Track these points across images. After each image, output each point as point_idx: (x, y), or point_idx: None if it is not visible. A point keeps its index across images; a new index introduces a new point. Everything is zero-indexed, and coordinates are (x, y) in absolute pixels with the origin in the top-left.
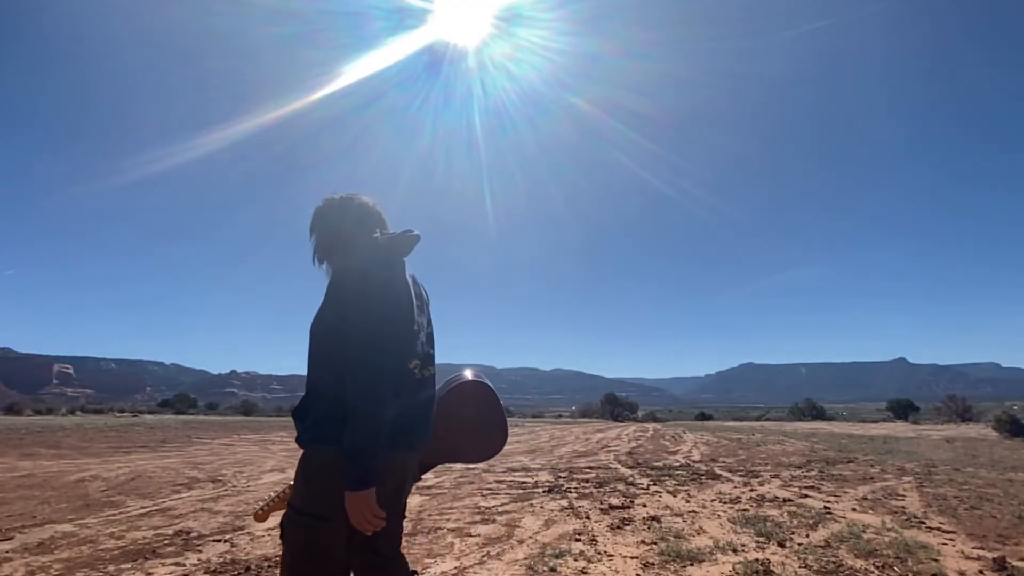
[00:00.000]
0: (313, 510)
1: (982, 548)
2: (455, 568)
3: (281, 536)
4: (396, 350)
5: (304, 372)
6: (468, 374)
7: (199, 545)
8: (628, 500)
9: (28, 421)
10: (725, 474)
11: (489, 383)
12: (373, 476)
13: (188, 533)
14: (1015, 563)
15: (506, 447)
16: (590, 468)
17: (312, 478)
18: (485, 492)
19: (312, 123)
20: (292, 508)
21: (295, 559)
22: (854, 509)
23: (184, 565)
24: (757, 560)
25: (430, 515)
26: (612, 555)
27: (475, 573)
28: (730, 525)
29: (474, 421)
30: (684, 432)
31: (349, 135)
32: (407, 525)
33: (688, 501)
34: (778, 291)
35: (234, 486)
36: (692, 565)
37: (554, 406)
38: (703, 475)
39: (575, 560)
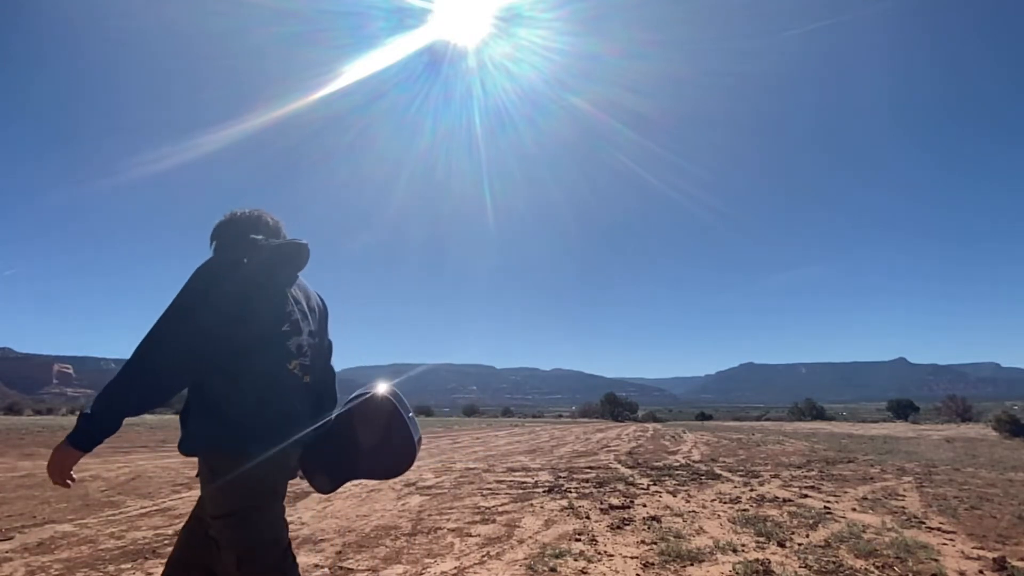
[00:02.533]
0: (235, 507)
1: (982, 548)
2: (455, 568)
3: (218, 548)
4: (201, 335)
5: None
6: (378, 388)
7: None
8: (628, 500)
9: (28, 421)
10: (725, 474)
11: (393, 398)
12: (83, 440)
13: None
14: (1015, 563)
15: (506, 447)
16: (590, 468)
17: (217, 479)
18: (485, 492)
19: (312, 123)
20: (215, 518)
21: (241, 559)
22: (854, 509)
23: None
24: (757, 560)
25: (430, 515)
26: (612, 555)
27: (475, 573)
28: (730, 525)
29: (376, 437)
30: (684, 432)
31: (349, 135)
32: (407, 525)
33: (688, 501)
34: (778, 291)
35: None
36: (692, 565)
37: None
38: (703, 475)
39: (575, 560)
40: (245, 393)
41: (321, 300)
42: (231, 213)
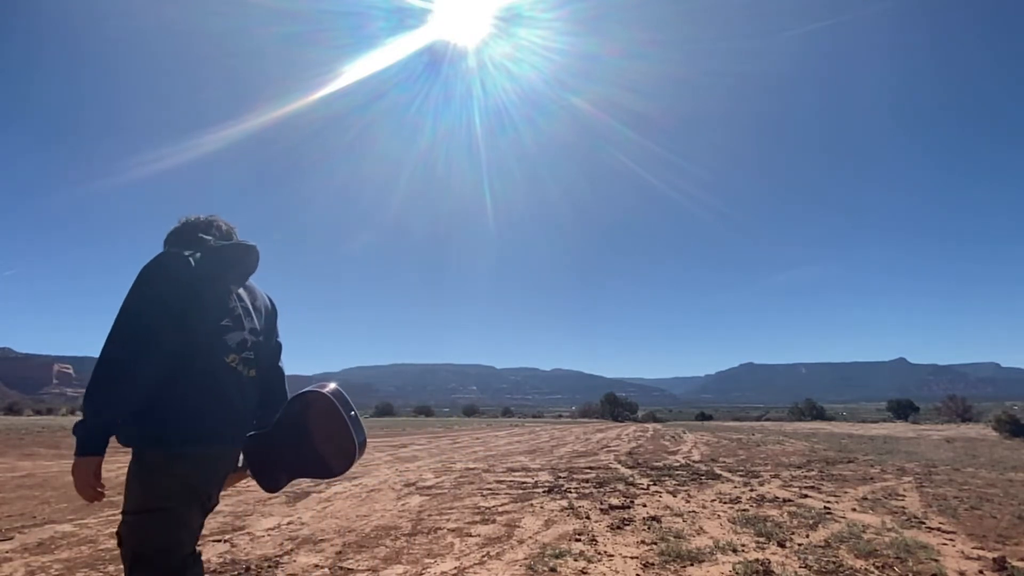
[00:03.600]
0: (149, 505)
1: (982, 548)
2: (455, 568)
3: (120, 544)
4: (166, 333)
5: (304, 372)
6: (320, 387)
7: (199, 545)
8: (628, 500)
9: (28, 421)
10: (725, 474)
11: (335, 397)
12: (88, 445)
13: None
14: (1015, 563)
15: (506, 447)
16: (590, 468)
17: (142, 473)
18: (485, 492)
19: (312, 123)
20: (125, 513)
21: (137, 558)
22: (854, 509)
23: None
24: (757, 560)
25: (430, 515)
26: (612, 555)
27: (475, 573)
28: (730, 525)
29: (317, 436)
30: (684, 432)
31: (349, 135)
32: (407, 525)
33: (688, 501)
34: (778, 291)
35: (234, 486)
36: (692, 565)
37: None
38: (703, 475)
39: (575, 560)
40: (185, 389)
41: (270, 301)
42: (185, 219)
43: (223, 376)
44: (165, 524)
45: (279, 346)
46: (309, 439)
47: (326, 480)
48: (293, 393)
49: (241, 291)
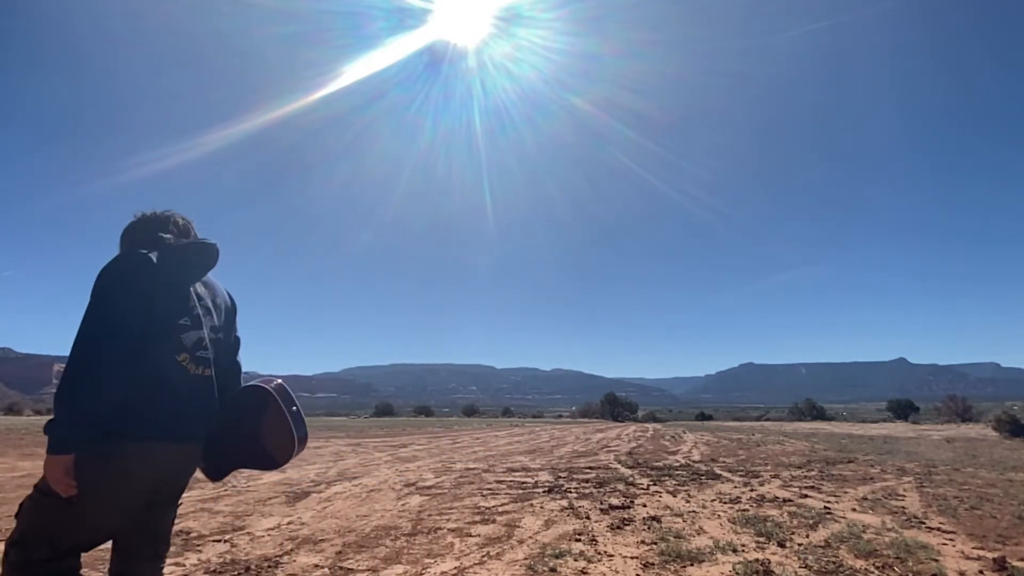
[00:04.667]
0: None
1: (982, 548)
2: (455, 568)
3: (16, 515)
4: (128, 333)
5: (304, 372)
6: (263, 382)
7: (199, 545)
8: (628, 500)
9: (28, 421)
10: (725, 474)
11: (276, 392)
12: (60, 445)
13: (188, 533)
14: (1015, 563)
15: (506, 447)
16: (590, 468)
17: (79, 460)
18: (485, 492)
19: (313, 122)
20: (36, 489)
21: (25, 534)
22: (854, 509)
23: (184, 565)
24: (757, 560)
25: (430, 515)
26: (612, 555)
27: (475, 573)
28: (730, 525)
29: (257, 429)
30: (684, 432)
31: (350, 134)
32: (407, 525)
33: (688, 501)
34: (778, 291)
35: (234, 486)
36: (692, 565)
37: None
38: (703, 475)
39: (575, 560)
40: (135, 387)
41: (229, 297)
42: (140, 214)
43: (172, 376)
44: (66, 516)
45: (238, 341)
46: (252, 432)
47: (269, 471)
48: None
49: (202, 289)
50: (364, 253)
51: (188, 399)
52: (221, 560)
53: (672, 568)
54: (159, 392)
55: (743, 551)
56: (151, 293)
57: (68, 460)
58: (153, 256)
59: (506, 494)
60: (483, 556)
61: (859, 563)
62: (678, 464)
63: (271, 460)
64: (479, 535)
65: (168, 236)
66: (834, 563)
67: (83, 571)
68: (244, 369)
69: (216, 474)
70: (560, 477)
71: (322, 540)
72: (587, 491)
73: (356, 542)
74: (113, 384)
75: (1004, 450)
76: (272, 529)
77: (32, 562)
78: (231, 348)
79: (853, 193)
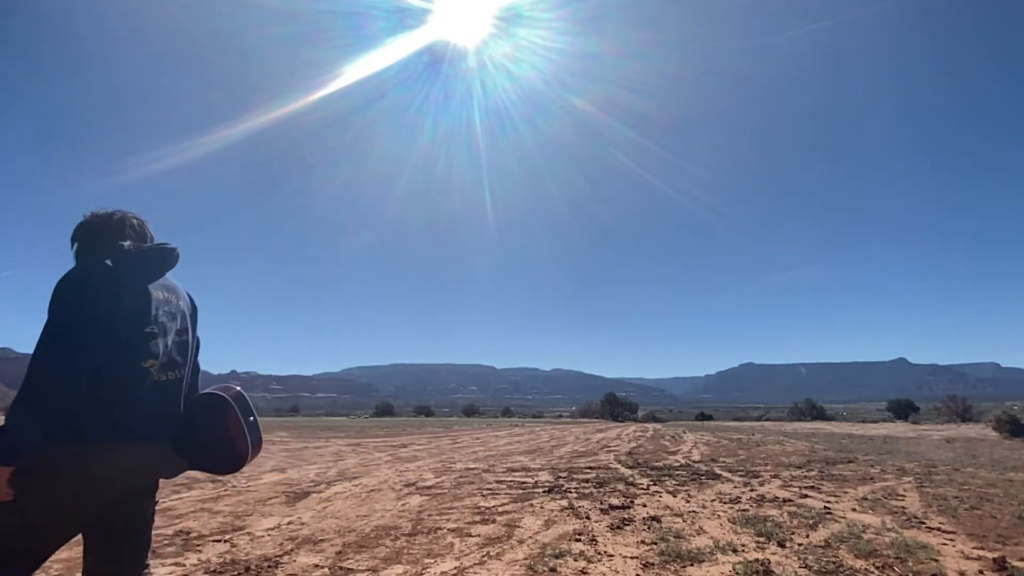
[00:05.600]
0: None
1: (982, 548)
2: (455, 568)
3: None
4: (90, 345)
5: (304, 372)
6: (220, 388)
7: (199, 545)
8: (628, 500)
9: None
10: (725, 474)
11: (233, 400)
12: (7, 457)
13: (188, 533)
14: (1015, 563)
15: (506, 447)
16: (590, 468)
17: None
18: (485, 492)
19: (313, 122)
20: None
21: None
22: (854, 509)
23: (184, 565)
24: (757, 560)
25: (430, 515)
26: (612, 555)
27: (475, 573)
28: (730, 525)
29: (211, 434)
30: (684, 432)
31: (350, 134)
32: (407, 525)
33: (688, 501)
34: (778, 291)
35: (234, 486)
36: (692, 565)
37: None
38: (703, 475)
39: (575, 560)
40: (99, 394)
41: (190, 299)
42: (91, 214)
43: (137, 382)
44: (16, 523)
45: (198, 343)
46: (207, 437)
47: (219, 476)
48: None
49: (163, 294)
50: (364, 253)
51: (154, 403)
52: (221, 560)
53: (672, 568)
54: (124, 398)
55: (743, 551)
56: (113, 307)
57: (9, 471)
58: (114, 266)
59: (506, 494)
60: (483, 556)
61: (859, 563)
62: (678, 464)
63: (223, 466)
64: (479, 535)
65: (126, 243)
66: (834, 563)
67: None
68: (246, 369)
69: (168, 474)
70: (560, 477)
71: (322, 540)
72: (587, 491)
73: (356, 542)
74: (67, 402)
75: (1004, 450)
76: (272, 529)
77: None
78: (194, 350)
79: (853, 193)
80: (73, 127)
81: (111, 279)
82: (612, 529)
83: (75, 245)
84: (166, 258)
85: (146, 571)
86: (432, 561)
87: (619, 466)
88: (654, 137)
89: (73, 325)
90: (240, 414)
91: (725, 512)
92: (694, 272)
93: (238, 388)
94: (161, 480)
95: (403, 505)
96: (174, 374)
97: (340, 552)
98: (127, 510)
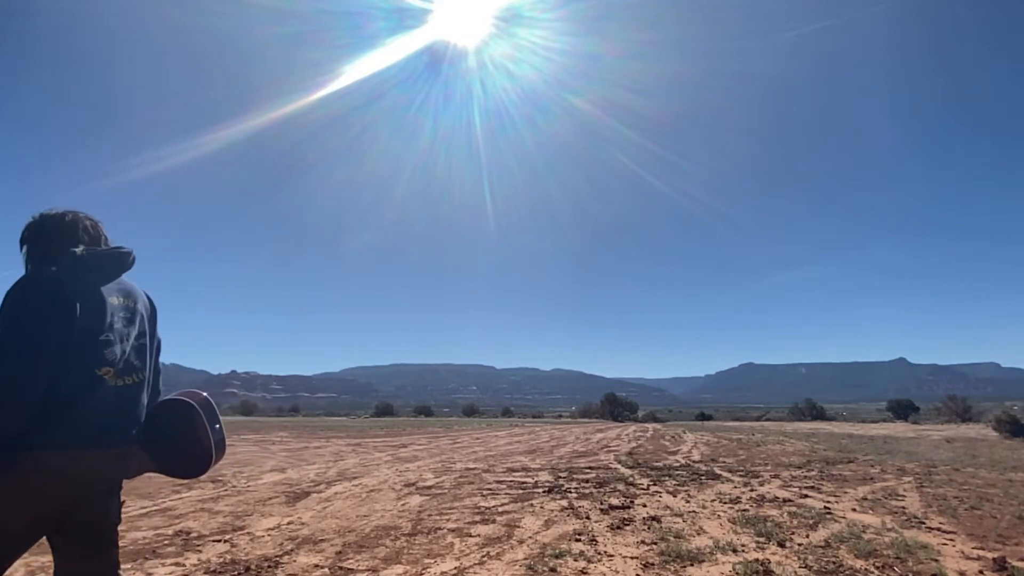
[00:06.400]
0: None
1: (982, 548)
2: (455, 568)
3: None
4: (47, 355)
5: (304, 372)
6: (186, 394)
7: (199, 545)
8: (628, 500)
9: None
10: (725, 474)
11: (200, 405)
12: None
13: (188, 533)
14: (1015, 563)
15: (506, 447)
16: (590, 468)
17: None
18: (485, 492)
19: (313, 122)
20: None
21: None
22: (854, 509)
23: (184, 565)
24: (757, 560)
25: (430, 515)
26: (612, 555)
27: (475, 573)
28: (730, 525)
29: (178, 439)
30: (684, 432)
31: (350, 134)
32: (407, 525)
33: (688, 501)
34: (778, 291)
35: (234, 486)
36: (692, 565)
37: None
38: (703, 475)
39: (575, 560)
40: (52, 402)
41: (149, 300)
42: (42, 215)
43: (92, 389)
44: None
45: (159, 343)
46: (170, 441)
47: (181, 480)
48: (169, 393)
49: (119, 299)
50: (364, 253)
51: (111, 408)
52: (221, 560)
53: (672, 568)
54: (76, 407)
55: (743, 551)
56: (64, 317)
57: None
58: (64, 273)
59: (506, 494)
60: (483, 556)
61: (859, 563)
62: (678, 464)
63: (186, 471)
64: (479, 535)
65: (79, 247)
66: (834, 563)
67: None
68: (246, 369)
69: (132, 475)
70: (560, 477)
71: (322, 540)
72: (587, 491)
73: (356, 542)
74: (18, 413)
75: (1004, 450)
76: (272, 529)
77: None
78: (154, 351)
79: (853, 193)
80: (72, 127)
81: (60, 288)
82: (612, 529)
83: (24, 248)
84: (121, 262)
85: (117, 573)
86: (432, 561)
87: (619, 466)
88: (654, 137)
89: (22, 337)
90: (206, 421)
91: (725, 512)
92: (694, 272)
93: (205, 395)
94: (161, 480)
95: (403, 505)
96: (132, 378)
97: (340, 552)
98: (86, 514)
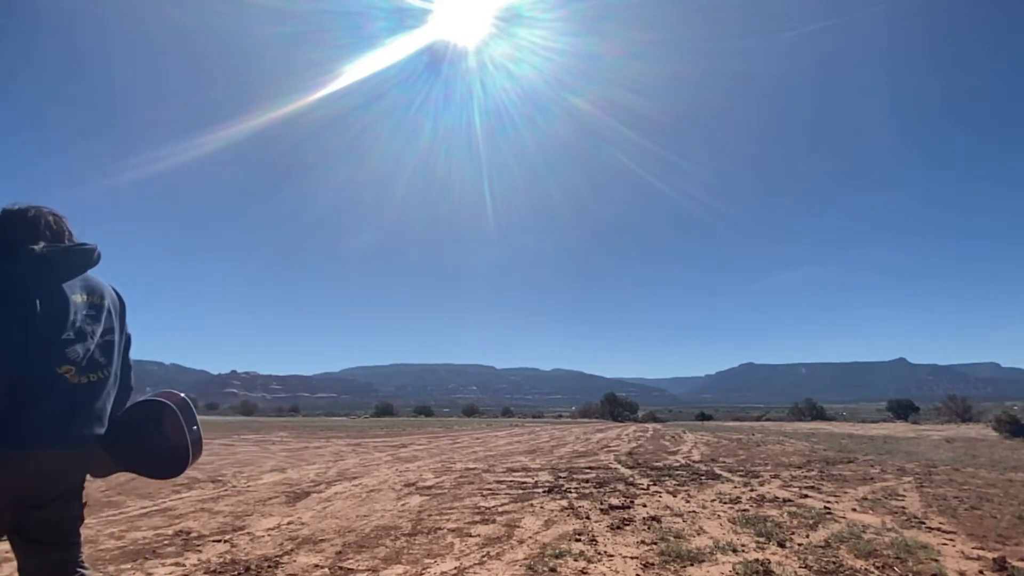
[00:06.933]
0: None
1: (982, 548)
2: (455, 568)
3: None
4: (12, 353)
5: (304, 372)
6: (174, 396)
7: (199, 545)
8: (628, 500)
9: None
10: (725, 474)
11: (178, 407)
12: None
13: (188, 533)
14: (1015, 563)
15: (506, 447)
16: (590, 468)
17: None
18: (485, 492)
19: (313, 122)
20: None
21: None
22: (854, 509)
23: (184, 565)
24: (757, 560)
25: (430, 515)
26: (612, 555)
27: (475, 573)
28: (730, 525)
29: (154, 439)
30: (684, 432)
31: (350, 134)
32: (407, 525)
33: (688, 501)
34: (778, 291)
35: (234, 486)
36: (692, 565)
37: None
38: (703, 475)
39: (575, 560)
40: (6, 404)
41: (117, 295)
42: (4, 210)
43: (50, 388)
44: None
45: (129, 339)
46: (146, 441)
47: (154, 481)
48: (149, 390)
49: (83, 296)
50: (364, 253)
51: (72, 407)
52: (221, 560)
53: (672, 568)
54: (35, 404)
55: (743, 551)
56: (18, 316)
57: None
58: (25, 271)
59: (506, 494)
60: (483, 556)
61: (859, 563)
62: (678, 464)
63: (161, 471)
64: (479, 535)
65: (39, 245)
66: (834, 563)
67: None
68: (246, 369)
69: (99, 473)
70: (560, 477)
71: (322, 540)
72: (587, 491)
73: (356, 542)
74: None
75: (1004, 450)
76: (272, 529)
77: None
78: (123, 347)
79: (853, 193)
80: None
81: (10, 287)
82: (612, 529)
83: None
84: (84, 258)
85: (80, 571)
86: (432, 561)
87: (619, 466)
88: (654, 137)
89: None
90: (184, 422)
91: (725, 512)
92: (694, 272)
93: (183, 395)
94: (161, 480)
95: (403, 505)
96: (97, 375)
97: (340, 552)
98: (45, 514)
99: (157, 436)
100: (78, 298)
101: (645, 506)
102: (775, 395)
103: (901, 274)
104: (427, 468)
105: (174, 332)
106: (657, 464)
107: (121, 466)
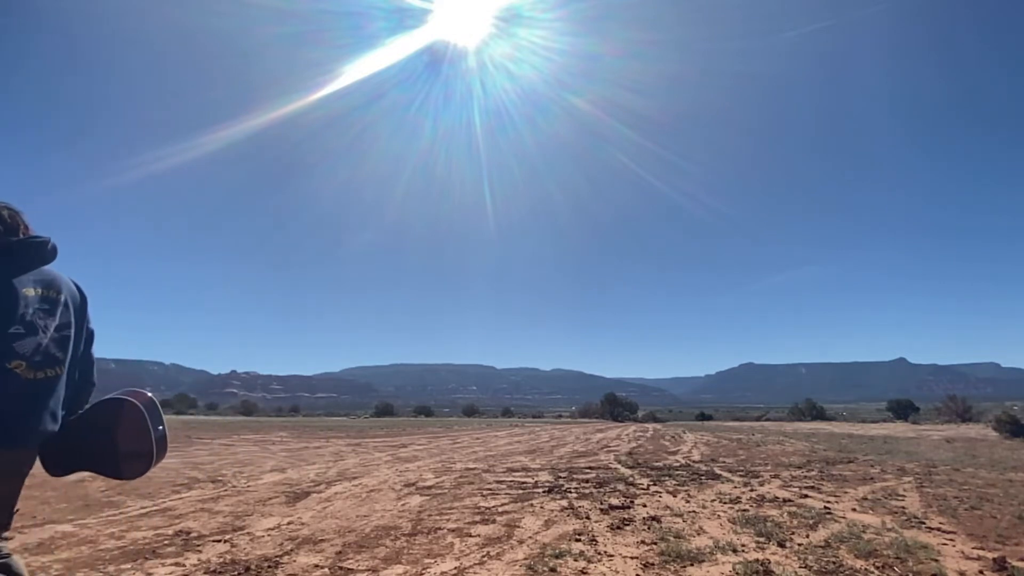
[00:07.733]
0: None
1: (982, 548)
2: (455, 568)
3: None
4: None
5: (304, 372)
6: (141, 395)
7: (199, 545)
8: (628, 500)
9: None
10: (725, 474)
11: (144, 407)
12: None
13: (188, 533)
14: (1015, 563)
15: (506, 447)
16: (590, 468)
17: None
18: (485, 492)
19: (313, 122)
20: None
21: None
22: (854, 509)
23: (184, 565)
24: (757, 560)
25: (430, 515)
26: (612, 555)
27: (475, 573)
28: (730, 525)
29: (119, 439)
30: (684, 432)
31: (350, 134)
32: (407, 525)
33: (688, 501)
34: (778, 291)
35: (234, 486)
36: (692, 565)
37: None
38: (703, 475)
39: (575, 560)
40: None
41: (78, 289)
42: None
43: (2, 386)
44: None
45: (91, 334)
46: (111, 440)
47: (115, 481)
48: (117, 387)
49: (36, 290)
50: (364, 253)
51: (23, 403)
52: (221, 560)
53: (672, 568)
54: None
55: (743, 551)
56: None
57: None
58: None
59: (506, 494)
60: (483, 556)
61: (859, 563)
62: (678, 464)
63: (125, 471)
64: (479, 535)
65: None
66: (834, 563)
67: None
68: (246, 369)
69: (57, 471)
70: (560, 477)
71: (322, 540)
72: (587, 491)
73: (356, 542)
74: None
75: (1004, 450)
76: (272, 529)
77: None
78: (83, 342)
79: (853, 193)
80: (74, 127)
81: None
82: (612, 529)
83: None
84: (38, 252)
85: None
86: (432, 561)
87: (619, 466)
88: (654, 137)
89: None
90: (150, 421)
91: (725, 512)
92: (694, 272)
93: (150, 394)
94: (161, 480)
95: (403, 505)
96: (53, 371)
97: (340, 552)
98: None
99: (120, 435)
100: (30, 292)
101: (645, 506)
102: (775, 395)
103: (901, 274)
104: (427, 468)
105: (174, 332)
106: (657, 464)
107: (81, 464)
